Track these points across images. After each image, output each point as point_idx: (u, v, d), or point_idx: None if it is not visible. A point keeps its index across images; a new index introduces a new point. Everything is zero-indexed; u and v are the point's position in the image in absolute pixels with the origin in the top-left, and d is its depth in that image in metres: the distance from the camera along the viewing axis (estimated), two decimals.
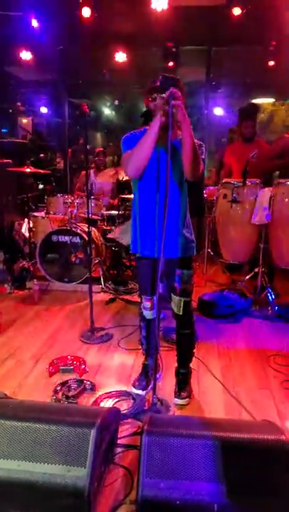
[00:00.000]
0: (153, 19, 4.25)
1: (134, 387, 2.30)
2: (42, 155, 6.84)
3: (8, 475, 1.37)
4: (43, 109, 7.89)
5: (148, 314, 2.28)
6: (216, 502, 1.34)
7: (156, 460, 1.41)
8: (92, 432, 1.43)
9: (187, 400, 2.20)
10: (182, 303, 2.16)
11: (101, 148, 5.14)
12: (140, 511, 1.34)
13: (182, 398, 2.19)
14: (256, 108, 4.70)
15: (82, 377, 2.38)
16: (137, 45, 5.32)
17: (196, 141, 1.99)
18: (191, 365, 2.35)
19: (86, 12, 3.85)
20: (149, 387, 2.26)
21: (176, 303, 2.17)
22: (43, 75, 6.26)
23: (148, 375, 2.34)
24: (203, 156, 2.08)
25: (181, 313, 2.18)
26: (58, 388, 2.21)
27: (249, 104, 5.34)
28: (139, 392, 2.26)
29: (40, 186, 5.85)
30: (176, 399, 2.20)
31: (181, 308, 2.17)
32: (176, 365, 2.34)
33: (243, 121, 4.36)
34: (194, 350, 2.35)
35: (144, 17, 4.31)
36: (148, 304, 2.25)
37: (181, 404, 2.18)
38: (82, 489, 1.35)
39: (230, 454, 1.41)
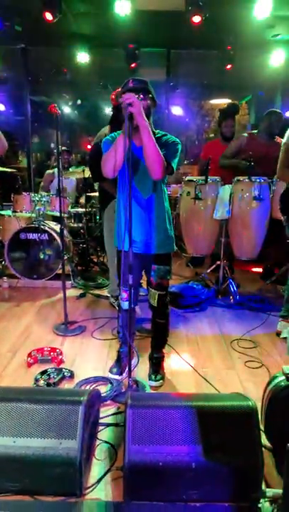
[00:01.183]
0: (115, 21, 4.38)
1: (110, 372, 2.44)
2: None
3: (4, 451, 1.48)
4: (1, 107, 7.77)
5: (124, 305, 2.43)
6: (194, 461, 1.52)
7: (139, 429, 1.57)
8: (81, 408, 1.57)
9: (161, 381, 2.38)
10: (157, 296, 2.33)
11: (64, 147, 5.20)
12: (128, 474, 1.49)
13: (156, 380, 2.36)
14: (236, 108, 4.92)
15: (60, 366, 2.49)
16: (99, 46, 5.43)
17: (172, 139, 2.13)
18: (163, 350, 2.53)
19: (48, 16, 3.92)
20: (125, 372, 2.41)
21: (152, 295, 2.34)
22: (3, 72, 6.20)
23: (123, 360, 2.49)
24: (176, 155, 2.18)
25: (156, 305, 2.35)
26: (39, 377, 2.31)
27: (229, 105, 5.60)
28: (116, 377, 2.41)
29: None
30: (150, 381, 2.37)
31: (156, 301, 2.34)
32: (149, 351, 2.51)
33: (223, 120, 4.56)
34: (167, 338, 2.54)
35: (107, 19, 4.43)
36: (124, 295, 2.40)
37: (156, 386, 2.35)
38: (73, 459, 1.49)
39: (205, 419, 1.60)
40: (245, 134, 4.13)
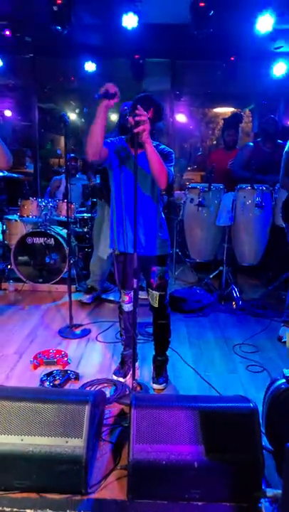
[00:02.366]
0: (122, 33, 4.48)
1: (115, 375, 2.50)
2: None
3: (12, 449, 1.53)
4: (7, 113, 7.89)
5: (126, 307, 2.48)
6: (196, 460, 1.57)
7: (143, 429, 1.61)
8: (87, 408, 1.62)
9: (164, 384, 2.42)
10: (158, 296, 2.38)
11: (72, 154, 5.29)
12: (132, 472, 1.54)
13: (160, 383, 2.41)
14: (239, 118, 5.06)
15: (66, 368, 2.54)
16: (106, 56, 5.54)
17: (167, 149, 2.23)
18: (166, 353, 2.57)
19: (58, 28, 4.06)
20: (129, 374, 2.47)
21: (153, 296, 2.39)
22: (10, 79, 6.33)
23: (127, 363, 2.54)
24: (172, 163, 2.30)
25: (157, 306, 2.41)
26: (44, 378, 2.36)
27: (232, 115, 5.72)
28: (120, 379, 2.46)
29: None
30: (154, 384, 2.41)
31: (157, 301, 2.39)
32: (153, 353, 2.56)
33: (226, 129, 4.67)
34: (169, 339, 2.58)
35: (114, 31, 4.54)
36: (125, 298, 2.46)
37: (159, 389, 2.39)
38: (79, 457, 1.54)
39: (207, 420, 1.64)
40: (251, 144, 4.22)
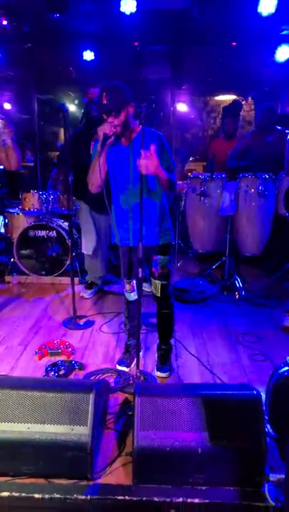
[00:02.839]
0: (120, 20, 4.43)
1: (118, 364, 2.51)
2: None
3: (19, 436, 1.56)
4: (7, 106, 7.84)
5: (129, 296, 2.50)
6: (200, 446, 1.59)
7: (147, 416, 1.64)
8: (91, 396, 1.64)
9: (168, 373, 2.44)
10: (160, 285, 2.38)
11: None
12: (137, 458, 1.57)
13: (164, 371, 2.43)
14: (239, 106, 5.05)
15: (70, 359, 2.56)
16: (104, 44, 5.49)
17: (157, 137, 2.20)
18: (171, 341, 2.59)
19: (55, 16, 4.02)
20: (133, 364, 2.49)
21: (155, 286, 2.40)
22: (9, 71, 6.28)
23: (131, 353, 2.56)
24: (171, 155, 2.28)
25: (159, 295, 2.41)
26: (49, 369, 2.39)
27: (232, 102, 5.69)
28: (124, 368, 2.48)
29: None
30: (158, 372, 2.43)
31: (160, 290, 2.40)
32: (157, 343, 2.58)
33: (226, 118, 4.66)
34: (173, 328, 2.60)
35: (112, 18, 4.49)
36: (128, 287, 2.47)
37: (163, 377, 2.42)
38: (85, 444, 1.57)
39: (211, 407, 1.66)
40: (248, 134, 4.21)
